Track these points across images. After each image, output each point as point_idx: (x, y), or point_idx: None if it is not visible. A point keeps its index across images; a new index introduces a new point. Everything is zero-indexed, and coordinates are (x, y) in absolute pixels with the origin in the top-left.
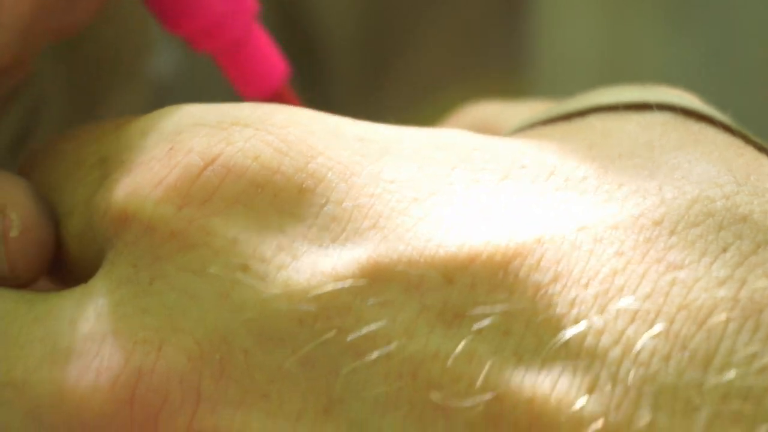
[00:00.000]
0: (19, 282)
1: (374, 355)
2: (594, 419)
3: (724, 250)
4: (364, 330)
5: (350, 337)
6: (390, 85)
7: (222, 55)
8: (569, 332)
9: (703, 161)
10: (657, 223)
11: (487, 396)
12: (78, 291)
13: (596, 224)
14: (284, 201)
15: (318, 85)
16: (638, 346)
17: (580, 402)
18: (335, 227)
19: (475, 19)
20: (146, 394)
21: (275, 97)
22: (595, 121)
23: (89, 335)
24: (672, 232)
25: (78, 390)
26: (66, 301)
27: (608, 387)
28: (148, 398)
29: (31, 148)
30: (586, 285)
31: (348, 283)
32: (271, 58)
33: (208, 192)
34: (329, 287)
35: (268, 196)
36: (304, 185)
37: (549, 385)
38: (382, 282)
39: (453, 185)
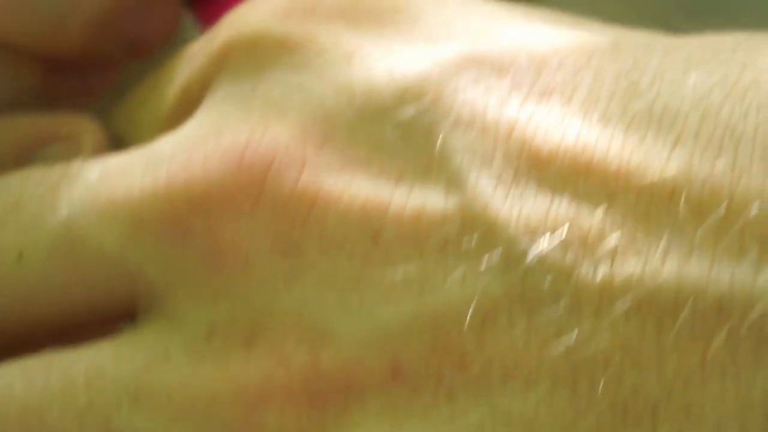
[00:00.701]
0: None
1: (471, 116)
2: (679, 165)
3: None
4: (461, 98)
5: (449, 104)
6: None
7: None
8: (652, 98)
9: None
10: (722, 41)
11: (578, 149)
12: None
13: (661, 39)
14: (383, 11)
15: None
16: (716, 106)
17: (666, 152)
18: (429, 33)
19: None
20: (253, 158)
21: None
22: None
23: (194, 138)
24: (737, 44)
25: (183, 176)
26: (167, 135)
27: (691, 140)
28: (254, 164)
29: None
30: (664, 72)
31: (446, 64)
32: None
33: (309, 8)
34: (429, 66)
35: (365, 9)
36: (399, 2)
37: (637, 140)
38: (477, 65)
39: (531, 17)
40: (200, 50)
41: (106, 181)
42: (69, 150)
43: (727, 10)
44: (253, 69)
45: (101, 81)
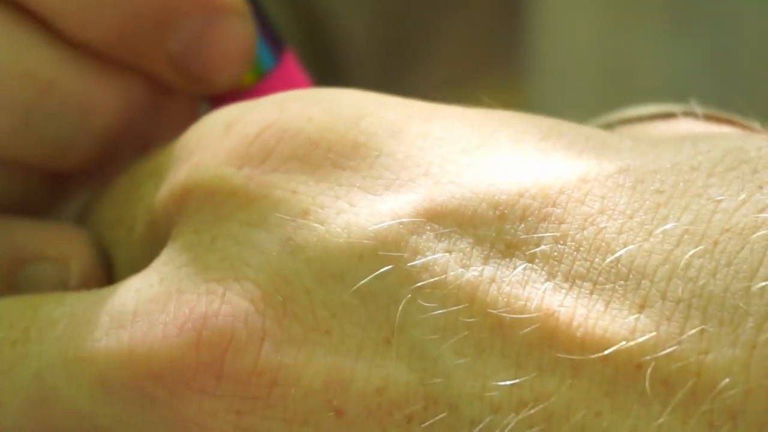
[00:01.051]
0: None
1: (432, 280)
2: (646, 333)
3: (761, 188)
4: (421, 260)
5: (408, 267)
6: (403, 89)
7: None
8: (618, 254)
9: (730, 135)
10: (694, 169)
11: (542, 316)
12: (142, 271)
13: (636, 168)
14: (339, 155)
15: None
16: (685, 262)
17: (632, 318)
18: (389, 176)
19: (482, 24)
20: (212, 336)
21: None
22: (621, 130)
23: (154, 297)
24: (710, 175)
25: (145, 344)
26: (132, 279)
27: (658, 303)
28: (213, 340)
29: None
30: (632, 215)
31: (405, 220)
32: None
33: (265, 152)
34: (387, 224)
35: (322, 151)
36: (357, 140)
37: (602, 306)
38: (437, 219)
39: (498, 141)
40: (165, 182)
41: (74, 332)
42: (56, 272)
43: (709, 16)
44: (211, 219)
45: (86, 182)
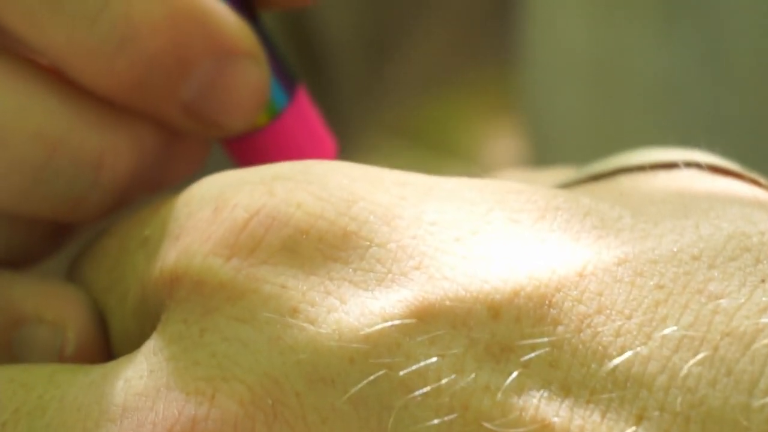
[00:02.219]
0: None
1: (425, 390)
2: None
3: (763, 281)
4: (414, 367)
5: (401, 374)
6: (388, 82)
7: None
8: (615, 362)
9: (736, 203)
10: (696, 258)
11: (537, 428)
12: (133, 354)
13: (636, 258)
14: (329, 245)
15: (319, 87)
16: (684, 372)
17: (630, 431)
18: (380, 269)
19: (469, 17)
20: None
21: None
22: (624, 180)
23: (143, 392)
24: (711, 266)
25: None
26: (121, 364)
27: (656, 414)
28: None
29: (75, 255)
30: (630, 316)
31: (396, 321)
32: None
33: (254, 241)
34: (378, 326)
35: (313, 241)
36: (347, 229)
37: (598, 416)
38: (430, 319)
39: (492, 224)
40: (155, 258)
41: (63, 421)
42: (53, 336)
43: (700, 12)
44: (199, 310)
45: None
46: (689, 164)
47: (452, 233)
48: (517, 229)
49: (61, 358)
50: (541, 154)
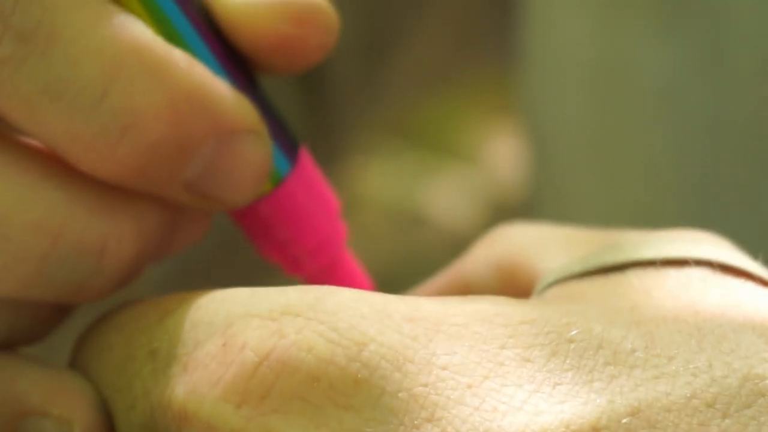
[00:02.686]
0: None
1: None
2: None
3: None
4: None
5: None
6: (386, 81)
7: (314, 279)
8: None
9: (748, 330)
10: (709, 405)
11: None
12: None
13: (649, 407)
14: (340, 393)
15: (311, 72)
16: None
17: None
18: (393, 420)
19: (469, 17)
20: None
21: None
22: (634, 278)
23: None
24: (725, 414)
25: None
26: None
27: None
28: None
29: (80, 338)
30: None
31: None
32: (358, 280)
33: (265, 388)
34: None
35: (324, 388)
36: (359, 375)
37: None
38: None
39: (504, 365)
40: (163, 381)
41: None
42: (59, 430)
43: (699, 14)
44: None
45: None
46: (700, 263)
47: (464, 380)
48: (529, 371)
49: None
50: (541, 154)
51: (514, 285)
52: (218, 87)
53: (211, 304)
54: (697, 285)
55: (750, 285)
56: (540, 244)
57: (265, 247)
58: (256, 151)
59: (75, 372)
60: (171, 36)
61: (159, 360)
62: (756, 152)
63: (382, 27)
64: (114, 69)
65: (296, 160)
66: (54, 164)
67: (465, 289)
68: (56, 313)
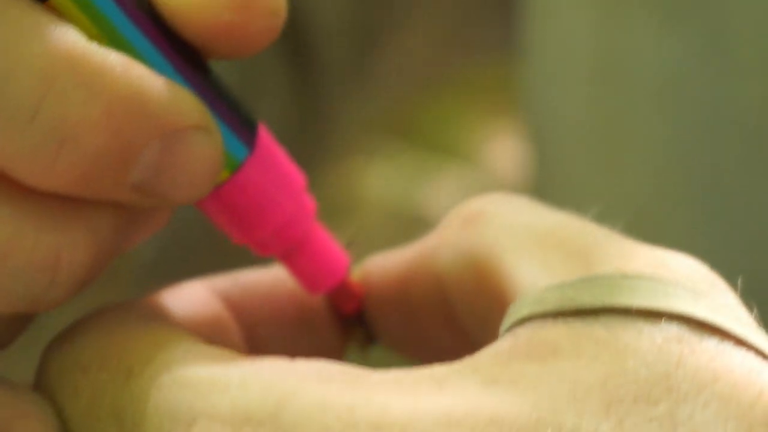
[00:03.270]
0: None
1: None
2: None
3: None
4: None
5: None
6: (378, 68)
7: (286, 258)
8: None
9: (721, 419)
10: None
11: None
12: None
13: None
14: None
15: (307, 72)
16: None
17: None
18: None
19: (466, 10)
20: None
21: (339, 288)
22: (607, 333)
23: None
24: None
25: None
26: None
27: None
28: None
29: (45, 359)
30: None
31: None
32: (332, 252)
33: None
34: None
35: None
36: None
37: None
38: None
39: None
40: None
41: None
42: None
43: (701, 6)
44: None
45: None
46: (674, 317)
47: None
48: None
49: None
50: (542, 149)
51: (486, 287)
52: (158, 87)
53: (173, 388)
54: (672, 349)
55: (727, 349)
56: (514, 245)
57: (230, 232)
58: (205, 147)
59: (39, 397)
60: (108, 33)
61: (124, 430)
62: (759, 144)
63: (372, 20)
64: (46, 83)
65: (254, 144)
66: (1, 182)
67: (434, 280)
68: (17, 322)
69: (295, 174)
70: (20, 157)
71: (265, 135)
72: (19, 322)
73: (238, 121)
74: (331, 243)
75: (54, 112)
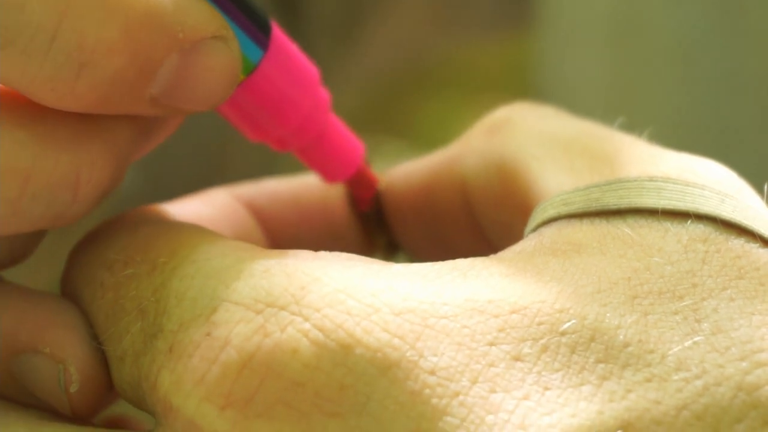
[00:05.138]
0: (81, 418)
1: None
2: None
3: None
4: None
5: None
6: (371, 34)
7: (304, 152)
8: None
9: (746, 314)
10: (699, 419)
11: None
12: None
13: (639, 418)
14: (326, 399)
15: (299, 35)
16: None
17: None
18: (377, 429)
19: None
20: None
21: (357, 176)
22: (633, 232)
23: None
24: (715, 430)
25: None
26: None
27: None
28: None
29: (70, 262)
30: None
31: None
32: (348, 141)
33: (249, 392)
34: None
35: (309, 395)
36: (344, 381)
37: None
38: None
39: (492, 367)
40: (146, 360)
41: None
42: (53, 367)
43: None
44: None
45: None
46: (700, 217)
47: (451, 386)
48: (519, 372)
49: (68, 394)
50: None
51: (511, 193)
52: (174, 0)
53: (196, 277)
54: (698, 248)
55: (753, 248)
56: (541, 152)
57: (249, 132)
58: (223, 56)
59: (65, 302)
60: None
61: (147, 321)
62: None
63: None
64: (62, 7)
65: (268, 43)
66: (14, 103)
67: (459, 187)
68: (35, 235)
69: (309, 68)
70: (41, 81)
71: (277, 32)
72: (37, 235)
73: (252, 22)
74: (345, 131)
75: (72, 35)
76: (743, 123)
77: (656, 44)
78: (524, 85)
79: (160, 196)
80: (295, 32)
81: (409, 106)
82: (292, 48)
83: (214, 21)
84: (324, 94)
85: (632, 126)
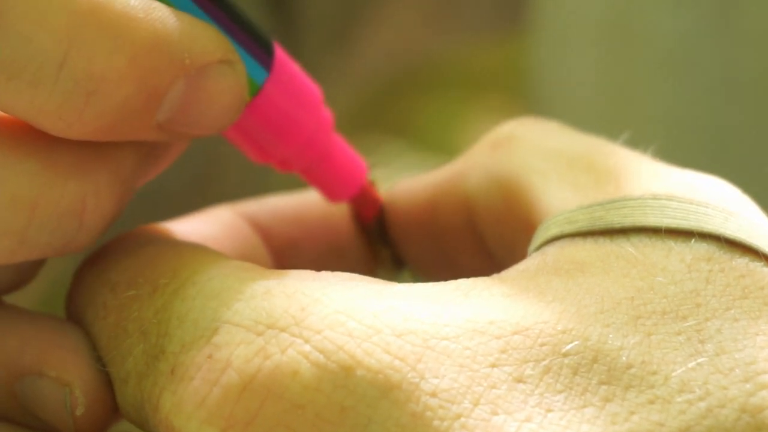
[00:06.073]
0: None
1: None
2: None
3: None
4: None
5: None
6: (365, 34)
7: (307, 172)
8: None
9: (750, 334)
10: None
11: None
12: None
13: None
14: (327, 421)
15: (292, 36)
16: None
17: None
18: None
19: None
20: None
21: (360, 195)
22: (637, 252)
23: None
24: None
25: None
26: None
27: None
28: None
29: (75, 284)
30: None
31: None
32: (351, 161)
33: (249, 415)
34: None
35: (309, 417)
36: (345, 403)
37: None
38: None
39: (494, 389)
40: (164, 379)
41: None
42: (58, 391)
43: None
44: None
45: None
46: (705, 236)
47: (453, 408)
48: (521, 394)
49: (74, 418)
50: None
51: (514, 210)
52: (180, 26)
53: (197, 299)
54: (702, 267)
55: (757, 267)
56: (544, 168)
57: (252, 154)
58: (229, 80)
59: (68, 325)
60: None
61: (149, 343)
62: (766, 112)
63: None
64: (70, 37)
65: (271, 65)
66: (20, 132)
67: (462, 203)
68: (40, 260)
69: (311, 87)
70: (48, 110)
71: (280, 53)
72: (41, 261)
73: (256, 44)
74: (348, 150)
75: (80, 65)
76: (736, 124)
77: (651, 44)
78: (519, 85)
79: (150, 211)
80: (291, 31)
81: (404, 106)
82: (295, 68)
83: (220, 45)
84: (327, 113)
85: (627, 127)
